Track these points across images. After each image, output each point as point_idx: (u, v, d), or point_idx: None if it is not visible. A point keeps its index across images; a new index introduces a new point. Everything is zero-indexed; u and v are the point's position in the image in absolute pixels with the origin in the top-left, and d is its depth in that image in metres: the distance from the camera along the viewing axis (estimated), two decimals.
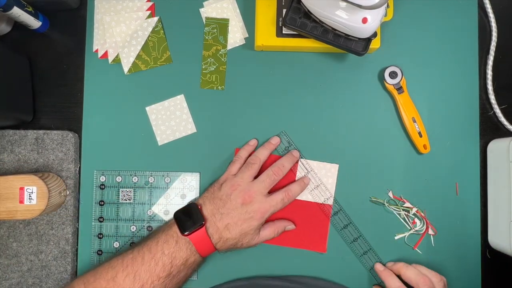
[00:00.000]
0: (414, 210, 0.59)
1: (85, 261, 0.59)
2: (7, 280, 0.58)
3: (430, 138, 0.59)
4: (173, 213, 0.55)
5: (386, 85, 0.59)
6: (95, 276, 0.51)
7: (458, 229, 0.59)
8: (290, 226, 0.59)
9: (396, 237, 0.59)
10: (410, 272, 0.54)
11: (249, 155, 0.59)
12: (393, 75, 0.58)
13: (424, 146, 0.59)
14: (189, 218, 0.53)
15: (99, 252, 0.59)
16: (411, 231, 0.59)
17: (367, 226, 0.59)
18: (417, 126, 0.58)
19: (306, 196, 0.59)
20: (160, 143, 0.60)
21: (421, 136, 0.58)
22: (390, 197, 0.60)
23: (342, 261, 0.59)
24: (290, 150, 0.60)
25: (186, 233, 0.52)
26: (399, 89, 0.57)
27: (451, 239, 0.59)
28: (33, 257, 0.58)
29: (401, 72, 0.58)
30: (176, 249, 0.52)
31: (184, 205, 0.56)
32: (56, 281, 0.58)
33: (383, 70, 0.59)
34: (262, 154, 0.58)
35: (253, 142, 0.60)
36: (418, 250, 0.59)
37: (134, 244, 0.58)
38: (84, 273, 0.53)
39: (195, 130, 0.60)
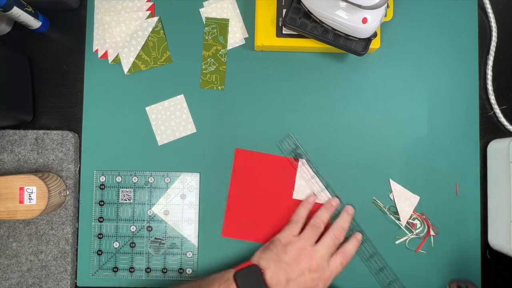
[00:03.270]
0: (414, 215, 0.59)
1: (85, 261, 0.59)
2: (7, 280, 0.58)
3: (430, 138, 0.60)
4: (232, 272, 0.51)
5: None
6: None
7: (458, 229, 0.59)
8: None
9: (397, 242, 0.59)
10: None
11: (308, 213, 0.58)
12: None
13: None
14: (251, 283, 0.50)
15: (99, 252, 0.59)
16: (412, 235, 0.59)
17: (369, 227, 0.59)
18: None
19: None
20: (160, 143, 0.60)
21: None
22: (391, 198, 0.60)
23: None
24: (299, 156, 0.59)
25: None
26: None
27: (451, 239, 0.59)
28: (33, 257, 0.58)
29: None
30: None
31: (244, 263, 0.53)
32: (56, 281, 0.58)
33: None
34: (325, 217, 0.57)
35: (312, 199, 0.58)
36: (422, 251, 0.59)
37: (186, 282, 0.55)
38: None
39: (195, 130, 0.60)
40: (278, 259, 0.52)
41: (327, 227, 0.57)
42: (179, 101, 0.60)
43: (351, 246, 0.56)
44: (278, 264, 0.52)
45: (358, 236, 0.58)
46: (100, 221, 0.59)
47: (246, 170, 0.59)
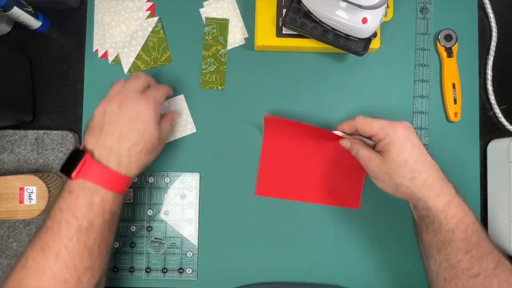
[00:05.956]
0: None
1: None
2: None
3: (430, 138, 0.60)
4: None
5: (439, 46, 0.60)
6: (10, 273, 0.44)
7: None
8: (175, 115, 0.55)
9: None
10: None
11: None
12: (448, 38, 0.59)
13: (455, 114, 0.59)
14: (71, 161, 0.45)
15: None
16: None
17: (372, 226, 0.59)
18: (454, 93, 0.58)
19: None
20: None
21: (455, 103, 0.59)
22: None
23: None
24: None
25: (73, 174, 0.44)
26: (450, 53, 0.59)
27: None
28: None
29: (456, 37, 0.59)
30: (72, 198, 0.44)
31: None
32: None
33: (438, 32, 0.60)
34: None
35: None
36: None
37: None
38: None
39: (195, 130, 0.60)
40: (88, 129, 0.49)
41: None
42: (179, 101, 0.60)
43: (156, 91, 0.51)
44: (90, 132, 0.48)
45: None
46: None
47: (277, 134, 0.58)
